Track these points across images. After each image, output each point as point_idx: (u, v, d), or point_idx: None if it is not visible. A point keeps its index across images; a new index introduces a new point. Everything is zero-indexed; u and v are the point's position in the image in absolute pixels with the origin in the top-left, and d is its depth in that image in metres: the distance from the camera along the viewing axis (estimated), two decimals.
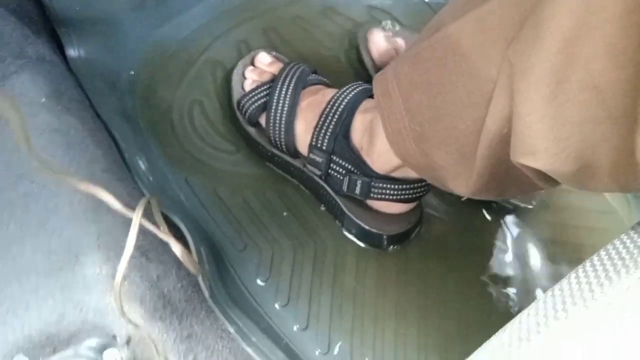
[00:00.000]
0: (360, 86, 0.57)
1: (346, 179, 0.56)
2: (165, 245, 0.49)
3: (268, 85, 0.61)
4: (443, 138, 0.40)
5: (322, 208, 0.62)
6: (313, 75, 0.62)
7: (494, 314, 0.60)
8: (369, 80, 0.54)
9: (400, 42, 0.69)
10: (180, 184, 0.61)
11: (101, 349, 0.39)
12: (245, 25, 0.74)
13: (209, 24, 0.73)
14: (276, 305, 0.56)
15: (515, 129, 0.33)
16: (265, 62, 0.65)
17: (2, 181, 0.47)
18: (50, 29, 0.63)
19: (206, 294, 0.50)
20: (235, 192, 0.62)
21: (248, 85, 0.64)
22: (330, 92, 0.58)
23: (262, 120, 0.61)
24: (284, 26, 0.75)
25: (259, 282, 0.57)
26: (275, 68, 0.64)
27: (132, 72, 0.67)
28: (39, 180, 0.46)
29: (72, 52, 0.62)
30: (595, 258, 0.32)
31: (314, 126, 0.56)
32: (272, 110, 0.59)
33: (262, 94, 0.61)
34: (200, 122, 0.66)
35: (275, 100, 0.59)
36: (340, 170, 0.56)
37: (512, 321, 0.31)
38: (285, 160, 0.62)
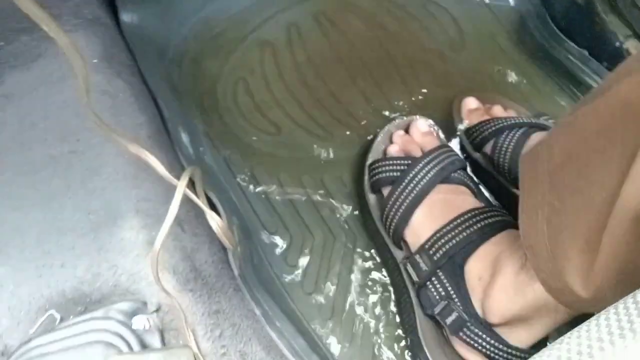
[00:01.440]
0: (502, 216, 0.50)
1: (442, 304, 0.49)
2: (199, 218, 0.49)
3: (409, 161, 0.56)
4: (577, 214, 0.35)
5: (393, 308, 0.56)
6: (461, 171, 0.56)
7: None
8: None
9: (496, 109, 0.64)
10: (218, 160, 0.61)
11: (131, 314, 0.38)
12: (297, 7, 0.73)
13: (261, 3, 0.72)
14: (302, 292, 0.56)
15: None
16: (421, 130, 0.60)
17: (51, 136, 0.47)
18: None
19: (236, 272, 0.49)
20: (271, 174, 0.62)
21: (391, 151, 0.59)
22: (469, 202, 0.53)
23: (386, 191, 0.56)
24: (336, 12, 0.73)
25: (287, 267, 0.57)
26: (426, 141, 0.59)
27: (182, 45, 0.67)
28: (85, 139, 0.46)
29: (125, 17, 0.62)
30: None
31: (435, 229, 0.50)
32: (399, 188, 0.54)
33: (398, 167, 0.55)
34: (244, 100, 0.65)
35: (407, 180, 0.53)
36: (440, 290, 0.49)
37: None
38: (386, 244, 0.56)
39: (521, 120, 0.60)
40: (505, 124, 0.60)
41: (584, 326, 0.28)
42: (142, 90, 0.57)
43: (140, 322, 0.38)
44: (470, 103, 0.65)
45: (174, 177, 0.40)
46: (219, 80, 0.66)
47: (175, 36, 0.67)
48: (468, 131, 0.63)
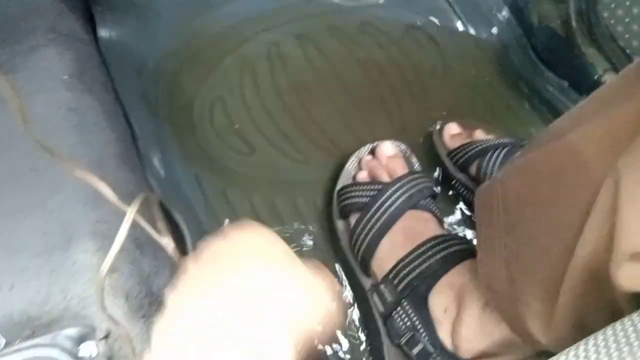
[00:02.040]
0: (464, 244, 0.50)
1: (407, 335, 0.48)
2: None
3: (379, 186, 0.54)
4: (534, 262, 0.35)
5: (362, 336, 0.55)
6: (428, 199, 0.55)
7: None
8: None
9: (478, 132, 0.64)
10: (189, 180, 0.61)
11: (79, 340, 0.37)
12: (279, 29, 0.73)
13: (242, 23, 0.72)
14: None
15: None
16: (387, 154, 0.59)
17: (13, 152, 0.46)
18: (86, 7, 0.64)
19: None
20: (244, 195, 0.61)
21: (359, 177, 0.58)
22: (431, 229, 0.52)
23: (354, 217, 0.55)
24: (319, 35, 0.73)
25: None
26: (392, 164, 0.58)
27: (160, 62, 0.67)
28: (46, 157, 0.45)
29: (103, 33, 0.62)
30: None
31: (399, 259, 0.50)
32: (367, 216, 0.53)
33: (366, 192, 0.55)
34: (220, 120, 0.65)
35: (374, 208, 0.53)
36: (406, 321, 0.49)
37: None
38: (354, 272, 0.55)
39: (505, 141, 0.60)
40: (489, 144, 0.60)
41: None
42: (114, 108, 0.56)
43: (88, 349, 0.37)
44: (452, 128, 0.65)
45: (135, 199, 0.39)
46: (196, 99, 0.66)
47: (153, 53, 0.66)
48: (451, 153, 0.63)
